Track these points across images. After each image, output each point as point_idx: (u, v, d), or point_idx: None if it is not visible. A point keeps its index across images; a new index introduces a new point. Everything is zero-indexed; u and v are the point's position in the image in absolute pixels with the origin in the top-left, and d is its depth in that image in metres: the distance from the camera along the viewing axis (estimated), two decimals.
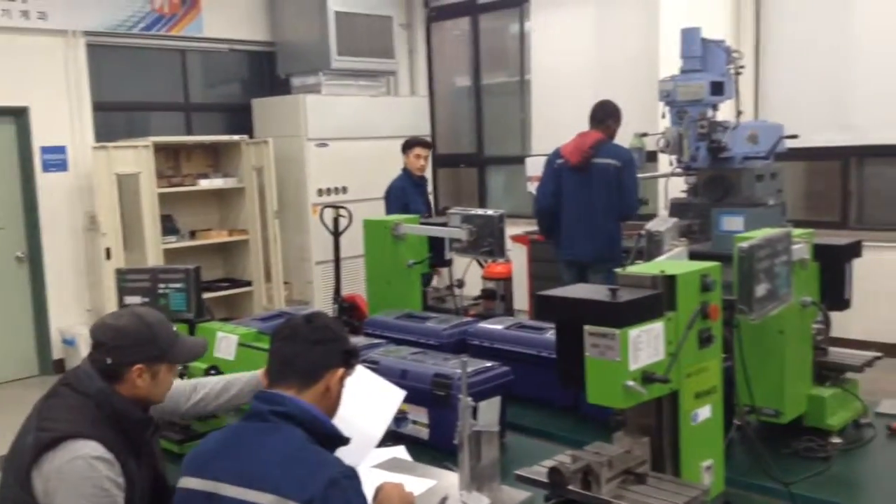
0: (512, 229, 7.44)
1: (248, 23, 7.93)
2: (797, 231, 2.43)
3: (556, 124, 6.97)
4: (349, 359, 1.87)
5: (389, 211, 5.78)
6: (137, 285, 3.14)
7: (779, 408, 2.41)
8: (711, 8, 6.40)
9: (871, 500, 2.24)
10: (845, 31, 6.29)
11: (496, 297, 6.76)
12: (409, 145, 6.10)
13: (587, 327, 1.79)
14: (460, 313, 3.48)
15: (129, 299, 3.11)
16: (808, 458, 2.38)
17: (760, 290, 2.08)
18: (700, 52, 5.23)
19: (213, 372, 2.74)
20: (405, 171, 6.04)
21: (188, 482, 1.77)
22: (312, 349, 1.81)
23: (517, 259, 7.58)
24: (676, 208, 5.63)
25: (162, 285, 3.10)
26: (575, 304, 1.85)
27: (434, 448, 2.48)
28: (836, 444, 2.42)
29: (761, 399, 2.43)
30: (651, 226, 2.50)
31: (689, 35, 5.24)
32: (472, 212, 3.45)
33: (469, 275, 5.80)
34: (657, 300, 1.85)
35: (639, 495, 1.71)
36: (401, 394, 2.41)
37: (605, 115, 5.26)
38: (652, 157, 6.18)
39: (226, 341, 2.93)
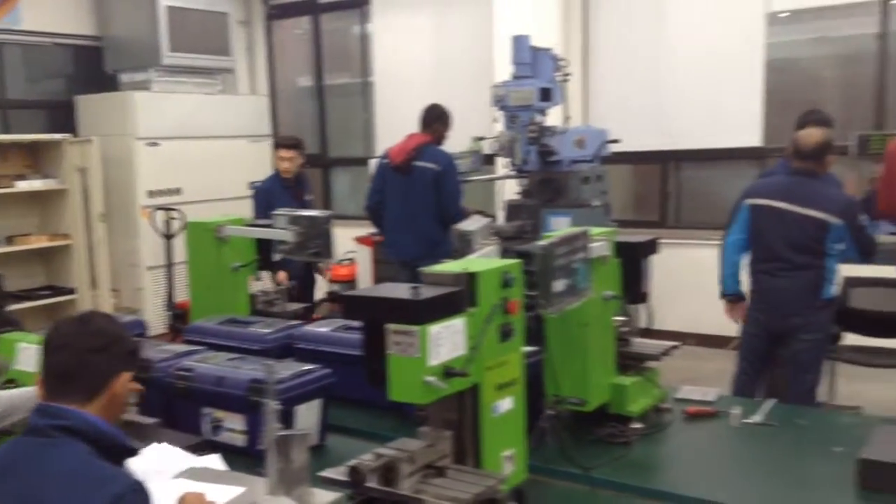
0: (356, 231, 7.48)
1: (73, 16, 7.44)
2: (597, 229, 2.57)
3: (399, 126, 6.98)
4: (133, 360, 1.79)
5: (255, 213, 5.65)
6: None
7: (584, 397, 2.54)
8: (541, 17, 6.67)
9: (666, 481, 2.39)
10: (662, 42, 6.75)
11: (340, 300, 6.72)
12: (275, 146, 5.95)
13: (389, 325, 1.81)
14: (288, 317, 3.42)
15: None
16: (611, 443, 2.52)
17: (558, 285, 2.18)
18: (529, 59, 5.44)
19: (11, 385, 2.56)
20: (276, 172, 5.89)
21: None
22: (92, 359, 1.69)
23: (363, 261, 7.58)
24: (511, 210, 5.83)
25: None
26: (378, 303, 1.87)
27: (251, 455, 2.43)
28: (636, 430, 2.58)
29: (568, 389, 2.55)
30: (461, 226, 2.57)
31: (518, 42, 5.44)
32: (298, 213, 3.41)
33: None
34: (458, 297, 1.90)
35: (437, 488, 1.75)
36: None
37: (433, 119, 5.36)
38: (490, 160, 6.36)
39: (27, 352, 2.73)
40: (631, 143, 6.49)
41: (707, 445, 2.59)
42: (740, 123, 6.38)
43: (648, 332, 3.49)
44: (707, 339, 6.38)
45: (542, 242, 2.15)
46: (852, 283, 4.53)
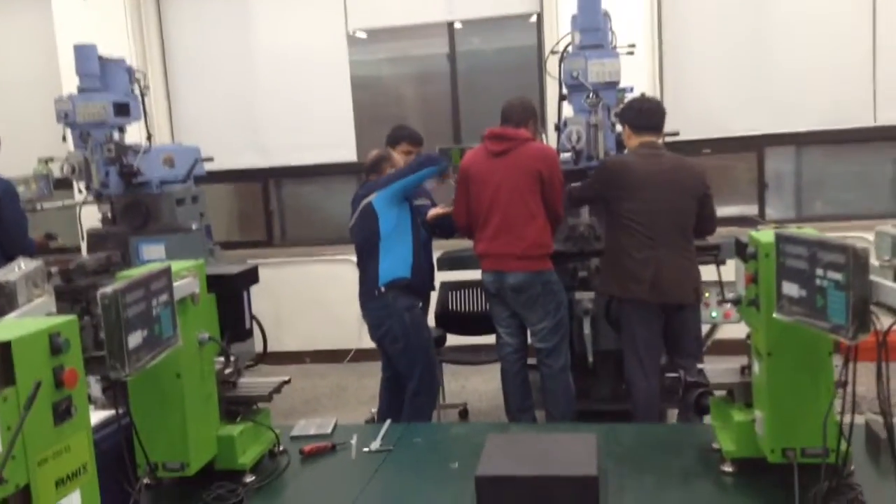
0: None
1: None
2: (183, 264, 2.22)
3: None
4: None
5: None
6: None
7: (184, 459, 2.18)
8: (109, 26, 6.04)
9: None
10: (249, 58, 6.55)
11: None
12: None
13: None
14: None
15: None
16: None
17: (135, 339, 1.79)
18: (98, 70, 4.83)
19: None
20: None
21: None
22: None
23: None
24: (94, 239, 5.12)
25: None
26: None
27: None
28: (248, 484, 2.29)
29: (165, 454, 2.17)
30: None
31: (83, 52, 4.81)
32: None
33: None
34: None
35: None
36: None
37: None
38: (65, 183, 5.53)
39: None
40: (228, 160, 6.19)
41: (326, 484, 2.39)
42: (335, 139, 6.45)
43: (265, 357, 3.22)
44: (325, 355, 6.34)
45: (106, 289, 1.74)
46: (449, 287, 4.79)
